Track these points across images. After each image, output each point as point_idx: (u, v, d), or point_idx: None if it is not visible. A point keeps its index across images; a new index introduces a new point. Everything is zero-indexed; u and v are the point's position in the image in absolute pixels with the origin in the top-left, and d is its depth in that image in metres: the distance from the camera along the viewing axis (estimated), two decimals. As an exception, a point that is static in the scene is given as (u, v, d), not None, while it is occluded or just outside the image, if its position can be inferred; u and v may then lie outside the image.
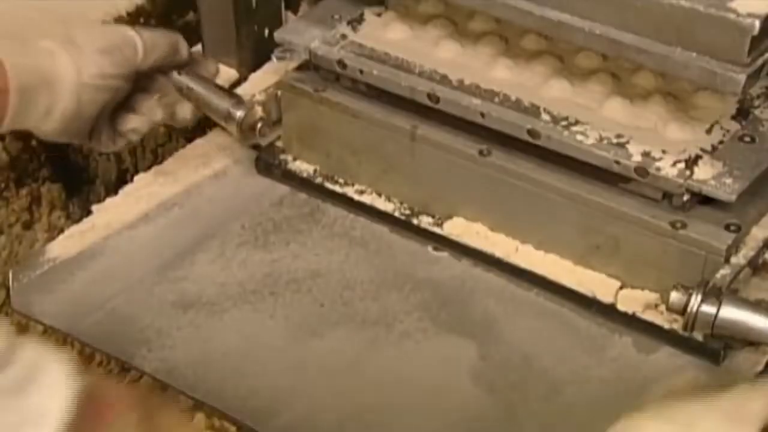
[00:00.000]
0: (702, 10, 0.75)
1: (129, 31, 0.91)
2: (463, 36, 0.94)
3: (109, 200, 1.00)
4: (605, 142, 0.83)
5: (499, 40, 0.93)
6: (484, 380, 0.83)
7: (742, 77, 0.75)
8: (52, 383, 0.50)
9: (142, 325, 0.88)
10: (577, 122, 0.85)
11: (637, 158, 0.82)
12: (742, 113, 0.85)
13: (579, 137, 0.84)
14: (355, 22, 0.97)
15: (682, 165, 0.81)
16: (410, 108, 0.92)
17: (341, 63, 0.93)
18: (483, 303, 0.89)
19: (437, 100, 0.89)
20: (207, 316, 0.88)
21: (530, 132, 0.85)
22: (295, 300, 0.90)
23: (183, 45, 0.94)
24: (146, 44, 0.91)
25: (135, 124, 0.92)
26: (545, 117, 0.86)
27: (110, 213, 0.98)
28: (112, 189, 1.04)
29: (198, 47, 1.09)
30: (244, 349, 0.86)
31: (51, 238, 0.99)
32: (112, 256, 0.94)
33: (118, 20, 1.10)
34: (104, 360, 0.89)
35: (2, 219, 1.04)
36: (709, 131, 0.83)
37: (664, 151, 0.82)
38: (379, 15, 0.98)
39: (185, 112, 0.95)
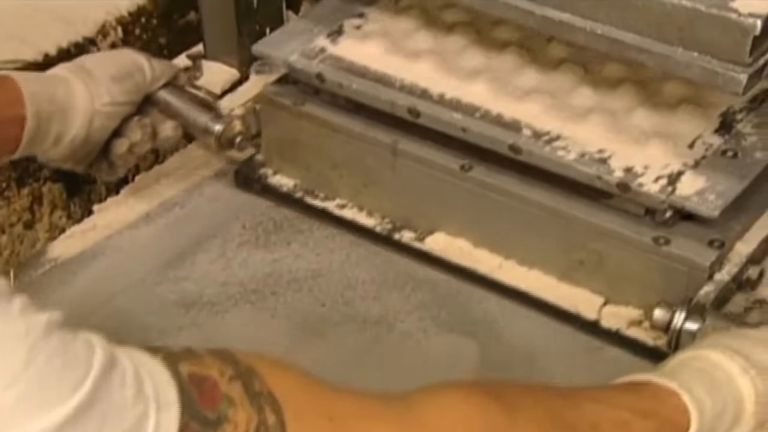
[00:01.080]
0: (704, 9, 0.74)
1: (139, 57, 0.92)
2: (445, 49, 0.93)
3: (110, 200, 1.01)
4: (587, 157, 0.82)
5: (481, 54, 0.92)
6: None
7: (743, 77, 0.74)
8: (157, 373, 0.53)
9: (144, 325, 0.88)
10: (558, 137, 0.84)
11: (618, 174, 0.81)
12: (725, 127, 0.84)
13: (560, 152, 0.83)
14: (335, 35, 0.96)
15: (664, 181, 0.80)
16: (391, 122, 0.91)
17: (320, 77, 0.92)
18: (483, 303, 0.88)
19: (417, 114, 0.88)
20: (208, 315, 0.89)
21: (511, 147, 0.84)
22: (296, 300, 0.90)
23: (183, 75, 0.96)
24: (154, 71, 0.92)
25: (123, 148, 0.92)
26: (526, 132, 0.85)
27: (111, 213, 0.98)
28: (114, 189, 1.04)
29: (199, 47, 1.11)
30: (245, 349, 0.85)
31: (52, 238, 1.00)
32: (114, 255, 0.94)
33: (120, 20, 1.10)
34: None
35: (4, 219, 1.04)
36: (691, 146, 0.82)
37: (646, 167, 0.81)
38: (358, 27, 0.97)
39: (167, 130, 0.95)
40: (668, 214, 0.79)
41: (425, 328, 0.86)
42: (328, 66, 0.92)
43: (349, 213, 0.96)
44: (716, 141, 0.83)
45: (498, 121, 0.86)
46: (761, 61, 0.75)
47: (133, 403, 0.50)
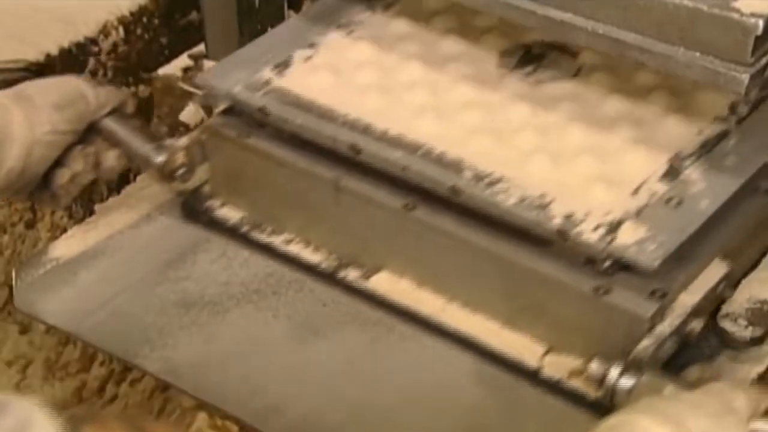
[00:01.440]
0: (705, 9, 0.74)
1: (82, 85, 0.90)
2: (394, 84, 0.91)
3: (111, 200, 1.01)
4: (527, 201, 0.79)
5: (430, 90, 0.90)
6: (484, 380, 0.82)
7: (745, 77, 0.74)
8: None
9: (145, 325, 0.88)
10: (501, 179, 0.81)
11: (558, 221, 0.78)
12: (672, 173, 0.81)
13: (500, 196, 0.80)
14: (282, 67, 0.93)
15: (604, 229, 0.77)
16: (335, 157, 0.89)
17: (263, 110, 0.89)
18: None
19: (358, 151, 0.86)
20: (209, 315, 0.88)
21: (451, 189, 0.82)
22: (297, 299, 0.89)
23: (131, 102, 0.94)
24: (99, 99, 0.90)
25: (65, 178, 0.90)
26: (468, 173, 0.82)
27: (113, 212, 0.98)
28: (115, 188, 1.05)
29: (201, 47, 1.11)
30: (247, 349, 0.86)
31: (54, 238, 1.01)
32: (115, 255, 0.94)
33: (122, 20, 1.11)
34: (106, 359, 0.89)
35: (5, 218, 1.05)
36: (636, 192, 0.79)
37: (587, 213, 0.78)
38: (308, 59, 0.94)
39: (110, 159, 0.92)
40: (608, 263, 0.77)
41: None
42: (272, 99, 0.90)
43: (296, 248, 0.94)
44: (661, 188, 0.80)
45: (440, 160, 0.84)
46: (763, 61, 0.75)
47: None
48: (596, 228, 0.77)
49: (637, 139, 0.84)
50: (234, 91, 0.91)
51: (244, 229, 0.95)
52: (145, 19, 1.14)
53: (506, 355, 0.83)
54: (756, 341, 0.83)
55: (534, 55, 0.94)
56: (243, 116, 0.93)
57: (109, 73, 1.19)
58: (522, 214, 0.79)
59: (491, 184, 0.81)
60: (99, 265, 0.93)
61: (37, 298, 0.91)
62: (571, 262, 0.79)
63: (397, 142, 0.85)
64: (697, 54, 0.75)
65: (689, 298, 0.78)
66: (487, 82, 0.91)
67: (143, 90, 1.23)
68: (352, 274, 0.90)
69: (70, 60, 1.05)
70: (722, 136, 0.84)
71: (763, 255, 0.87)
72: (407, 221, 0.86)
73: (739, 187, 0.79)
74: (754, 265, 0.86)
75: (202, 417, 0.84)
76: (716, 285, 0.79)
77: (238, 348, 0.86)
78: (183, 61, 1.15)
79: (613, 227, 0.77)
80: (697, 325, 0.78)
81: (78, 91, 0.89)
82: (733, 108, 0.86)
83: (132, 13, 1.13)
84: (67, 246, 0.95)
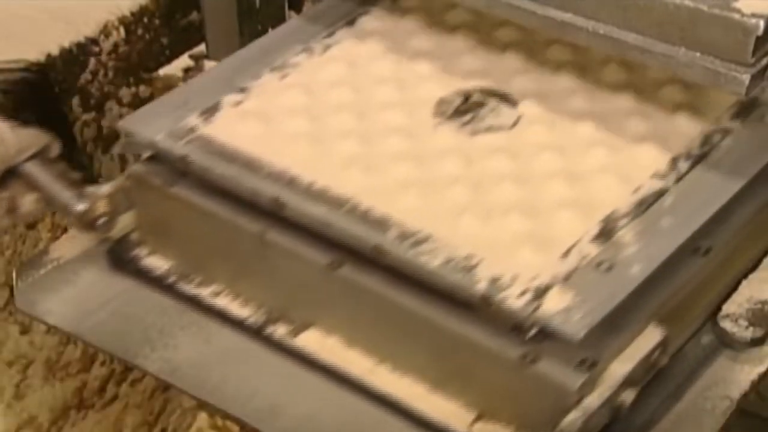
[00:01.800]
0: (706, 9, 0.75)
1: (0, 127, 0.86)
2: (324, 133, 0.87)
3: None
4: (453, 263, 0.76)
5: (361, 140, 0.86)
6: None
7: (746, 77, 0.75)
8: None
9: (145, 325, 0.87)
10: (427, 238, 0.78)
11: (483, 285, 0.74)
12: (605, 234, 0.77)
13: (425, 257, 0.76)
14: (210, 112, 0.90)
15: (530, 295, 0.73)
16: (261, 209, 0.85)
17: (185, 160, 0.86)
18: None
19: (281, 206, 0.82)
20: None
21: (375, 249, 0.78)
22: None
23: (56, 146, 0.90)
24: (19, 142, 0.87)
25: None
26: (393, 231, 0.79)
27: None
28: None
29: (201, 47, 1.12)
30: (247, 349, 0.85)
31: (55, 238, 1.02)
32: None
33: (122, 20, 1.13)
34: (107, 360, 0.89)
35: None
36: (566, 255, 0.76)
37: (514, 277, 0.74)
38: (237, 104, 0.91)
39: (27, 204, 0.89)
40: (534, 331, 0.73)
41: None
42: (195, 148, 0.86)
43: (224, 301, 0.90)
44: (593, 250, 0.76)
45: (366, 216, 0.80)
46: (764, 62, 0.75)
47: None
48: (522, 293, 0.73)
49: (570, 196, 0.80)
50: (156, 138, 0.87)
51: (171, 279, 0.92)
52: (145, 19, 1.15)
53: (434, 421, 0.79)
54: (756, 342, 0.82)
55: (473, 102, 0.91)
56: (168, 163, 0.90)
57: (110, 74, 1.21)
58: (447, 277, 0.75)
59: (417, 243, 0.77)
60: (99, 264, 0.92)
61: (38, 299, 0.91)
62: (499, 327, 0.75)
63: (322, 196, 0.82)
64: (698, 54, 0.75)
65: (621, 367, 0.74)
66: (421, 131, 0.87)
67: (144, 90, 1.24)
68: (280, 331, 0.87)
69: (70, 60, 1.08)
70: (660, 194, 0.80)
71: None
72: (333, 279, 0.82)
73: (673, 251, 0.76)
74: (704, 323, 0.84)
75: (202, 417, 0.83)
76: (650, 352, 0.76)
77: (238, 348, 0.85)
78: (184, 61, 1.18)
79: (540, 293, 0.73)
80: (629, 395, 0.75)
81: None
82: (673, 163, 0.83)
83: (133, 13, 1.14)
84: (68, 246, 0.94)
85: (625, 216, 0.78)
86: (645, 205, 0.79)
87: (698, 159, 0.83)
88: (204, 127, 0.88)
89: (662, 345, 0.77)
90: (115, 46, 1.15)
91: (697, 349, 0.83)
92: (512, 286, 0.74)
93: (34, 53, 1.09)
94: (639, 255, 0.75)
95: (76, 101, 1.19)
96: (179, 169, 0.88)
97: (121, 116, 1.22)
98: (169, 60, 1.24)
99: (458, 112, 0.90)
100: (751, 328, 0.82)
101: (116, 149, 0.97)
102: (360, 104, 0.91)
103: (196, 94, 0.92)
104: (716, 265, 0.82)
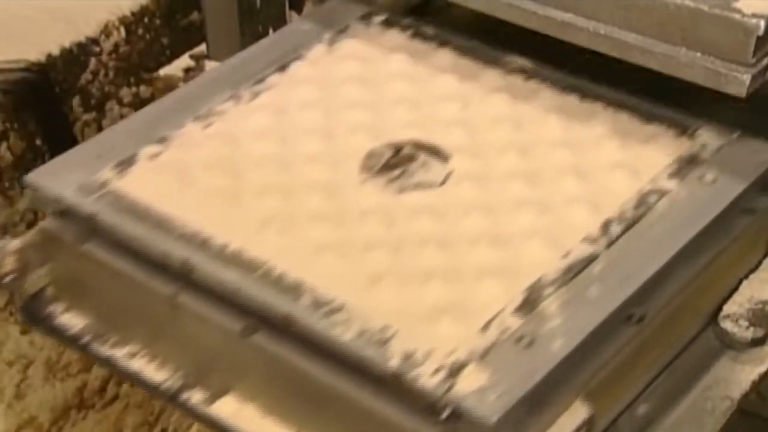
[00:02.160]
0: (707, 10, 0.75)
1: None
2: (242, 188, 0.83)
3: None
4: (366, 336, 0.71)
5: (279, 197, 0.82)
6: None
7: (747, 77, 0.75)
8: None
9: None
10: (341, 308, 0.73)
11: (395, 361, 0.69)
12: (528, 305, 0.73)
13: (338, 329, 0.72)
14: (125, 165, 0.85)
15: (444, 372, 0.68)
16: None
17: (93, 218, 0.81)
18: None
19: (191, 270, 0.78)
20: None
21: (286, 318, 0.74)
22: None
23: None
24: None
25: None
26: (306, 299, 0.74)
27: None
28: None
29: (202, 47, 1.13)
30: None
31: None
32: None
33: (123, 20, 1.14)
34: None
35: (7, 218, 1.05)
36: (485, 328, 0.71)
37: (429, 352, 0.70)
38: (154, 157, 0.87)
39: None
40: (447, 411, 0.69)
41: None
42: (105, 204, 0.82)
43: (139, 363, 0.85)
44: (515, 322, 0.71)
45: (278, 282, 0.76)
46: (764, 62, 0.76)
47: None
48: (436, 371, 0.68)
49: (495, 262, 0.76)
50: (64, 194, 0.82)
51: (86, 339, 0.87)
52: (146, 19, 1.16)
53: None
54: (757, 342, 0.83)
55: (403, 156, 0.87)
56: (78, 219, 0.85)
57: (111, 74, 1.20)
58: (359, 351, 0.71)
59: (330, 313, 0.73)
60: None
61: None
62: (413, 404, 0.71)
63: (234, 260, 0.77)
64: (699, 54, 0.76)
65: (544, 448, 0.70)
66: (345, 188, 0.83)
67: (144, 90, 1.24)
68: (196, 397, 0.82)
69: (71, 60, 1.09)
70: (590, 260, 0.76)
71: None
72: (246, 346, 0.78)
73: (598, 324, 0.71)
74: (630, 404, 0.79)
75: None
76: (576, 431, 0.72)
77: None
78: (184, 61, 1.19)
79: (455, 370, 0.68)
80: (550, 478, 0.70)
81: None
82: (605, 227, 0.79)
83: (133, 13, 1.15)
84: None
85: (552, 284, 0.74)
86: (573, 271, 0.75)
87: (632, 222, 0.78)
88: (117, 182, 0.84)
89: (588, 423, 0.72)
90: (116, 46, 1.16)
91: (697, 349, 0.83)
92: (426, 363, 0.69)
93: (35, 53, 1.10)
94: (563, 328, 0.71)
95: (76, 101, 1.20)
96: (90, 226, 0.84)
97: (122, 116, 1.23)
98: (169, 60, 1.24)
99: (387, 167, 0.86)
100: (751, 329, 0.82)
101: (22, 204, 0.94)
102: (284, 157, 0.86)
103: (114, 143, 0.88)
104: (651, 332, 0.78)
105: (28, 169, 1.05)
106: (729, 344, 0.82)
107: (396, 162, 0.86)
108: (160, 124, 0.90)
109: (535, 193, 0.81)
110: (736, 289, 0.84)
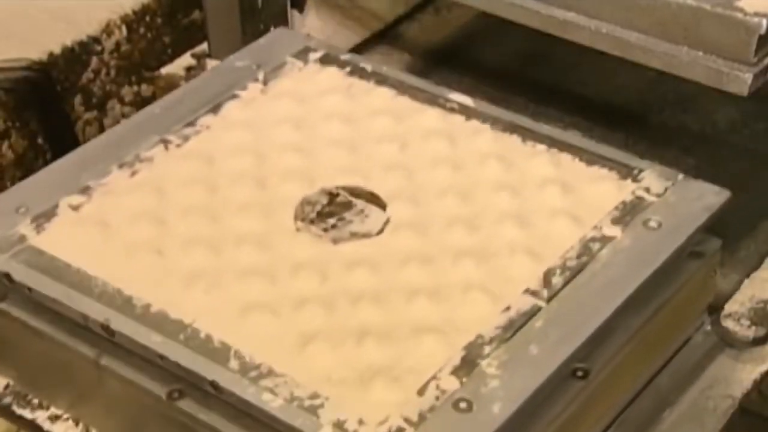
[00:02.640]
0: (709, 8, 0.76)
1: None
2: (167, 243, 0.79)
3: None
4: (295, 404, 0.67)
5: (207, 251, 0.78)
6: None
7: (748, 76, 0.76)
8: None
9: None
10: (269, 373, 0.69)
11: (326, 431, 0.66)
12: (466, 365, 0.69)
13: (266, 396, 0.68)
14: (44, 219, 0.81)
15: (377, 443, 0.65)
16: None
17: (7, 277, 0.77)
18: None
19: (112, 333, 0.74)
20: None
21: (212, 385, 0.70)
22: None
23: None
24: None
25: None
26: (234, 364, 0.70)
27: None
28: None
29: (204, 46, 1.12)
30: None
31: None
32: None
33: (124, 18, 1.15)
34: None
35: None
36: (422, 391, 0.68)
37: (361, 421, 0.66)
38: (76, 208, 0.82)
39: None
40: (380, 485, 0.65)
41: None
42: (20, 262, 0.77)
43: (62, 427, 0.81)
44: (453, 384, 0.68)
45: (205, 346, 0.72)
46: (766, 61, 0.76)
47: None
48: (369, 441, 0.65)
49: (432, 318, 0.72)
50: (-22, 250, 0.78)
51: (7, 400, 0.83)
52: (147, 18, 1.16)
53: None
54: (759, 341, 0.83)
55: (339, 204, 0.83)
56: (-2, 274, 0.81)
57: (112, 72, 1.20)
58: (288, 420, 0.67)
59: (258, 378, 0.69)
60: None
61: None
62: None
63: (158, 322, 0.73)
64: (700, 53, 0.77)
65: None
66: (277, 240, 0.79)
67: (146, 89, 1.23)
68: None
69: (72, 59, 1.09)
70: (531, 314, 0.72)
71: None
72: (173, 411, 0.73)
73: (540, 384, 0.68)
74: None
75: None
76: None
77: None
78: (186, 60, 1.18)
79: (389, 440, 0.65)
80: None
81: None
82: (547, 278, 0.75)
83: (135, 12, 1.15)
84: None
85: (491, 341, 0.70)
86: (514, 327, 0.71)
87: (575, 272, 0.75)
88: (35, 237, 0.79)
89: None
90: (118, 44, 1.16)
91: (698, 348, 0.82)
92: (359, 431, 0.66)
93: (36, 52, 1.10)
94: (503, 390, 0.67)
95: (78, 100, 1.19)
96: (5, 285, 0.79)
97: (123, 115, 1.22)
98: (171, 59, 1.24)
99: (322, 215, 0.82)
100: (753, 327, 0.83)
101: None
102: (214, 206, 0.82)
103: (34, 194, 0.83)
104: (597, 387, 0.75)
105: (29, 168, 1.09)
106: (730, 343, 0.83)
107: (331, 210, 0.83)
108: (83, 172, 0.85)
109: (475, 240, 0.78)
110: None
